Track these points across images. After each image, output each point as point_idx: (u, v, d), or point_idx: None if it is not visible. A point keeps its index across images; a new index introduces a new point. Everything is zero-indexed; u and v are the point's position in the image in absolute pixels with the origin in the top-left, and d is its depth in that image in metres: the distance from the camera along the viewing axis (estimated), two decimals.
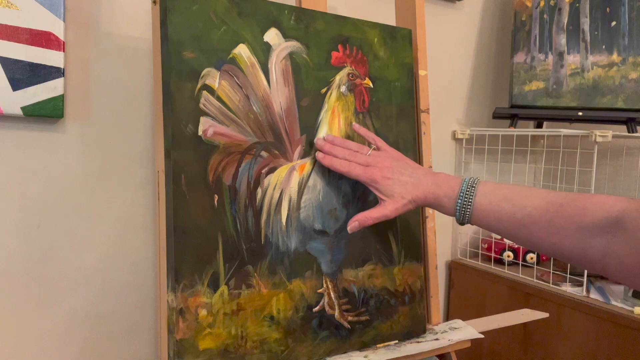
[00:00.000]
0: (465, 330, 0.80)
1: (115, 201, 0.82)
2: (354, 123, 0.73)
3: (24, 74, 0.70)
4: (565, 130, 1.05)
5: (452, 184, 0.64)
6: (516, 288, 1.12)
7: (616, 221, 0.50)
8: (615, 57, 1.15)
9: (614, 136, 0.99)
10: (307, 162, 0.70)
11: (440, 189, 0.64)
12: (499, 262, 1.23)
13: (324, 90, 0.72)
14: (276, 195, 0.67)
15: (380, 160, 0.67)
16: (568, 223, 0.54)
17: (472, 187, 0.62)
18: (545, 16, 1.18)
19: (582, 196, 0.55)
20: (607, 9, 1.16)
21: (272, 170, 0.67)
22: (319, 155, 0.69)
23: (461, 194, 0.62)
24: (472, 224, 0.63)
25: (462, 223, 0.63)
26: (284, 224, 0.68)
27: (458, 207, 0.62)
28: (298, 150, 0.70)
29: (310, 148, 0.71)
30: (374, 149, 0.70)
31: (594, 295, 1.01)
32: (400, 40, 0.80)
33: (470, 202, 0.61)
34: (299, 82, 0.70)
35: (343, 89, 0.73)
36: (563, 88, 1.17)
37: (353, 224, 0.67)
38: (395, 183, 0.65)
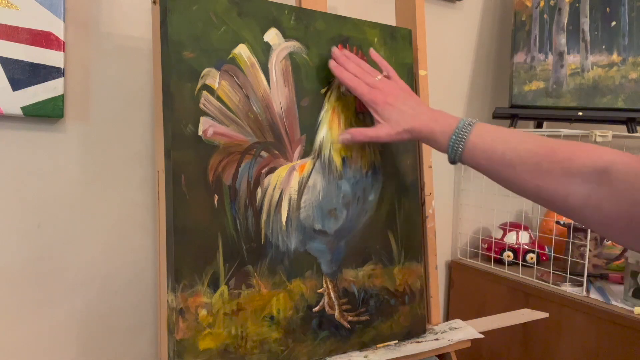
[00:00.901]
0: (465, 330, 0.80)
1: (115, 201, 0.82)
2: (371, 49, 0.74)
3: (24, 74, 0.70)
4: (565, 130, 1.05)
5: (450, 121, 0.64)
6: (516, 288, 1.12)
7: (602, 171, 0.50)
8: (615, 57, 1.15)
9: (614, 136, 0.99)
10: (307, 162, 0.70)
11: (437, 124, 0.64)
12: (499, 262, 1.23)
13: (324, 90, 0.72)
14: (276, 195, 0.67)
15: (387, 87, 0.68)
16: (555, 167, 0.54)
17: (469, 125, 0.62)
18: (545, 16, 1.18)
19: (574, 143, 0.55)
20: (607, 9, 1.16)
21: (272, 170, 0.67)
22: (332, 63, 0.70)
23: (456, 131, 0.62)
24: (462, 163, 0.63)
25: (453, 161, 0.64)
26: (284, 224, 0.68)
27: (451, 143, 0.62)
28: (298, 150, 0.70)
29: (310, 148, 0.71)
30: (385, 76, 0.71)
31: (594, 295, 1.01)
32: (400, 40, 0.80)
33: (464, 139, 0.61)
34: (299, 82, 0.70)
35: (343, 88, 0.73)
36: (563, 88, 1.16)
37: (345, 136, 0.68)
38: (394, 110, 0.66)
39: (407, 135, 0.66)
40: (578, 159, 0.53)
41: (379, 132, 0.66)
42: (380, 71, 0.72)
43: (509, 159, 0.58)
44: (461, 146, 0.62)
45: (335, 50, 0.71)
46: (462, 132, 0.62)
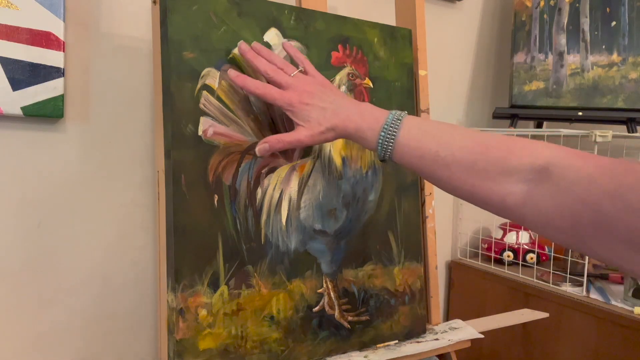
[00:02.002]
0: (465, 330, 0.80)
1: (115, 201, 0.82)
2: (284, 41, 0.68)
3: (24, 74, 0.70)
4: (565, 130, 1.05)
5: (377, 116, 0.58)
6: (516, 288, 1.12)
7: (541, 168, 0.47)
8: (615, 57, 1.15)
9: (614, 136, 0.98)
10: (307, 162, 0.70)
11: (363, 119, 0.58)
12: (499, 262, 1.23)
13: None
14: (276, 195, 0.67)
15: (302, 84, 0.61)
16: (491, 166, 0.50)
17: (398, 120, 0.56)
18: (545, 16, 1.18)
19: (511, 139, 0.51)
20: (607, 9, 1.16)
21: (272, 170, 0.67)
22: (231, 72, 0.62)
23: (385, 127, 0.56)
24: (394, 161, 0.58)
25: (383, 160, 0.58)
26: (284, 224, 0.68)
27: (380, 141, 0.57)
28: (298, 150, 0.70)
29: (310, 148, 0.71)
30: (301, 71, 0.64)
31: (594, 295, 1.01)
32: (400, 40, 0.80)
33: (394, 136, 0.56)
34: None
35: (343, 89, 0.73)
36: (563, 88, 1.16)
37: (262, 146, 0.61)
38: (313, 109, 0.59)
39: (332, 134, 0.60)
40: (515, 156, 0.49)
41: (299, 135, 0.59)
42: (297, 66, 0.65)
43: (442, 158, 0.53)
44: (391, 145, 0.56)
45: (242, 44, 0.63)
46: (391, 128, 0.56)
